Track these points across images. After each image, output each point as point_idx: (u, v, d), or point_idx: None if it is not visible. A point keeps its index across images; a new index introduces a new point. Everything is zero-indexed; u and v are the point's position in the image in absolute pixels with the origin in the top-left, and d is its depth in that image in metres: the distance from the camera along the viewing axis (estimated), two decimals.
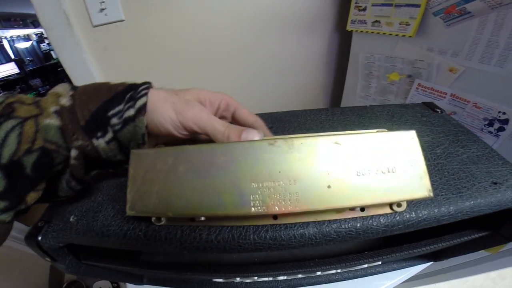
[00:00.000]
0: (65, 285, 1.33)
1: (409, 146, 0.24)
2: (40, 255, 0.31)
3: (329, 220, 0.24)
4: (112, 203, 0.31)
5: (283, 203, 0.21)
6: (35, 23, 3.83)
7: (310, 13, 0.93)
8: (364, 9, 0.82)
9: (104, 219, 0.28)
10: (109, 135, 0.25)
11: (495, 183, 0.28)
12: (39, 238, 0.28)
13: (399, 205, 0.24)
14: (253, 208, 0.21)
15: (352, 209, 0.22)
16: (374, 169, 0.22)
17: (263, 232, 0.24)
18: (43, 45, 3.92)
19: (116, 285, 1.34)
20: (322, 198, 0.21)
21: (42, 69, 3.67)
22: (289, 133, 0.38)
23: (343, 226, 0.24)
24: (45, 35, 3.87)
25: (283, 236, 0.24)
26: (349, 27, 0.89)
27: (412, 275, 0.46)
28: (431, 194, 0.22)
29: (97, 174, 0.31)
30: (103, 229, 0.27)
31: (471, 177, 0.29)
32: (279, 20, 0.90)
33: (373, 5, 0.79)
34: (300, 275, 0.37)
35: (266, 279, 0.37)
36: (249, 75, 0.97)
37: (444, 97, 0.73)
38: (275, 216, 0.24)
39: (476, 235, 0.33)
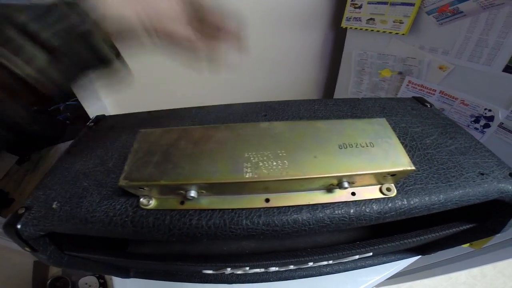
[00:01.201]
0: (49, 281, 1.29)
1: (382, 129, 0.26)
2: (20, 244, 0.29)
3: (322, 205, 0.24)
4: (98, 188, 0.29)
5: (274, 170, 0.22)
6: None
7: (306, 10, 0.93)
8: (360, 7, 0.83)
9: (88, 205, 0.27)
10: None
11: (482, 174, 0.29)
12: (18, 226, 0.27)
13: (388, 189, 0.24)
14: (246, 175, 0.22)
15: (341, 187, 0.23)
16: (353, 143, 0.24)
17: (256, 217, 0.24)
18: None
19: (102, 281, 1.32)
20: (310, 166, 0.22)
21: None
22: (283, 121, 0.38)
23: (336, 212, 0.24)
24: None
25: (276, 221, 0.23)
26: (344, 24, 0.90)
27: (399, 270, 0.47)
28: (412, 167, 0.23)
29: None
30: (87, 216, 0.26)
31: (459, 167, 0.30)
32: (275, 15, 0.90)
33: (369, 3, 0.80)
34: (291, 266, 0.37)
35: (257, 270, 0.37)
36: (243, 69, 0.97)
37: (433, 94, 0.74)
38: (267, 199, 0.23)
39: (464, 227, 0.34)
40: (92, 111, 0.78)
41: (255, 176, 0.21)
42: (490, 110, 0.63)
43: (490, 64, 0.61)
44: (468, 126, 0.68)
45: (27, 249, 0.30)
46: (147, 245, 0.45)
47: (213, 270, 0.35)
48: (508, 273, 1.26)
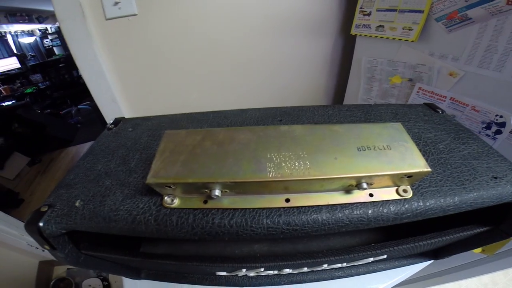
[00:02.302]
0: (53, 282, 1.30)
1: (397, 133, 0.27)
2: (40, 242, 0.29)
3: (340, 205, 0.25)
4: (120, 187, 0.30)
5: (297, 170, 0.23)
6: (40, 19, 3.84)
7: (316, 17, 0.95)
8: (369, 14, 0.84)
9: (112, 203, 0.28)
10: None
11: (496, 178, 0.29)
12: (41, 224, 0.27)
13: (405, 190, 0.25)
14: (269, 174, 0.23)
15: (360, 187, 0.23)
16: (371, 146, 0.25)
17: (276, 216, 0.24)
18: (46, 41, 3.93)
19: (106, 283, 1.32)
20: (331, 167, 0.23)
21: (43, 65, 3.66)
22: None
23: (355, 212, 0.25)
24: (50, 31, 3.90)
25: (296, 221, 0.24)
26: (353, 31, 0.91)
27: (410, 275, 0.47)
28: (428, 169, 0.24)
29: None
30: (110, 214, 0.27)
31: (473, 171, 0.30)
32: (286, 23, 0.92)
33: (377, 10, 0.81)
34: (305, 268, 0.37)
35: (271, 272, 0.37)
36: (255, 76, 0.99)
37: (444, 101, 0.74)
38: (287, 199, 0.24)
39: (479, 230, 0.34)
40: (108, 113, 0.81)
41: (278, 175, 0.22)
42: (501, 117, 0.62)
43: (500, 70, 0.61)
44: (480, 132, 0.67)
45: (47, 247, 0.30)
46: (159, 246, 0.45)
47: (227, 271, 0.36)
48: None
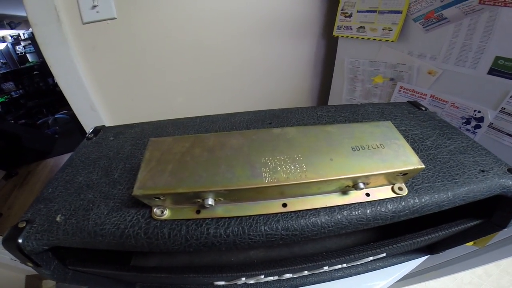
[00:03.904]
0: None
1: (389, 131, 0.27)
2: (21, 259, 0.28)
3: (338, 207, 0.24)
4: (105, 200, 0.29)
5: (293, 173, 0.22)
6: (12, 25, 3.64)
7: (299, 20, 0.96)
8: (350, 16, 0.86)
9: (96, 217, 0.26)
10: None
11: (483, 171, 0.30)
12: (20, 240, 0.25)
13: (400, 188, 0.25)
14: (265, 179, 0.22)
15: (357, 188, 0.23)
16: (365, 145, 0.25)
17: (274, 222, 0.24)
18: (19, 48, 3.74)
19: None
20: (327, 168, 0.23)
21: (16, 73, 3.47)
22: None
23: (353, 213, 0.24)
24: (22, 37, 3.71)
25: (295, 226, 0.23)
26: (335, 32, 0.92)
27: (408, 272, 0.47)
28: (422, 165, 0.24)
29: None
30: (96, 229, 0.25)
31: (461, 165, 0.31)
32: (269, 25, 0.92)
33: (358, 11, 0.83)
34: (306, 272, 0.36)
35: (271, 278, 0.36)
36: (239, 78, 0.98)
37: (425, 98, 0.76)
38: (284, 204, 0.23)
39: (472, 223, 0.35)
40: (87, 121, 0.77)
41: (275, 180, 0.21)
42: (479, 112, 0.65)
43: (475, 67, 0.64)
44: (460, 127, 0.70)
45: (29, 264, 0.28)
46: (151, 258, 0.44)
47: (226, 281, 0.35)
48: None
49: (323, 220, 0.24)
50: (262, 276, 0.33)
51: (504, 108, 0.61)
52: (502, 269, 1.30)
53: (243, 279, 0.33)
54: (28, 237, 0.26)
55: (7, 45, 3.67)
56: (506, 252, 0.66)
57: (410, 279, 1.07)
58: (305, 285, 0.41)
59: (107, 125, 0.46)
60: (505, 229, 0.33)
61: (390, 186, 0.26)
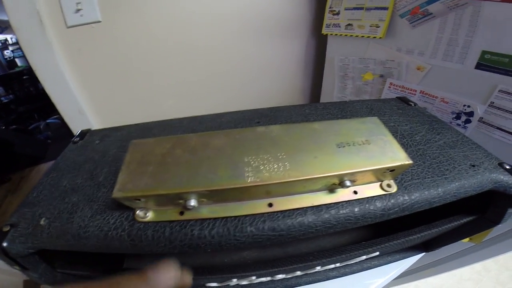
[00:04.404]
0: None
1: (375, 127, 0.27)
2: (8, 263, 0.28)
3: (326, 206, 0.24)
4: (89, 203, 0.28)
5: (276, 172, 0.22)
6: None
7: (288, 19, 0.96)
8: (338, 13, 0.86)
9: (80, 220, 0.26)
10: None
11: (474, 166, 0.30)
12: (5, 244, 0.26)
13: (388, 185, 0.25)
14: (248, 179, 0.21)
15: (343, 185, 0.23)
16: (351, 142, 0.25)
17: (260, 223, 0.23)
18: (7, 52, 3.67)
19: None
20: (311, 166, 0.22)
21: (5, 77, 3.41)
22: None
23: (341, 212, 0.24)
24: (10, 42, 3.65)
25: (282, 226, 0.23)
26: (324, 30, 0.93)
27: (405, 269, 0.47)
28: (410, 161, 0.24)
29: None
30: (79, 231, 0.25)
31: (451, 160, 0.31)
32: (259, 25, 0.92)
33: (345, 9, 0.83)
34: (299, 272, 0.36)
35: (263, 279, 0.36)
36: (229, 78, 0.97)
37: (415, 94, 0.77)
38: (270, 204, 0.23)
39: (466, 220, 0.34)
40: (76, 126, 0.76)
41: (257, 180, 0.21)
42: (469, 106, 0.66)
43: (462, 62, 0.64)
44: (451, 122, 0.71)
45: (17, 267, 0.29)
46: (144, 260, 0.43)
47: (218, 282, 0.34)
48: (511, 267, 1.29)
49: (310, 220, 0.23)
50: (254, 277, 0.33)
51: (493, 102, 0.61)
52: (500, 265, 1.31)
53: (235, 280, 0.33)
54: (12, 240, 0.26)
55: None
56: (503, 247, 0.66)
57: (408, 276, 1.08)
58: (300, 285, 0.41)
59: (96, 128, 0.46)
60: (500, 225, 0.33)
61: (379, 183, 0.26)
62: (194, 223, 0.23)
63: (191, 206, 0.21)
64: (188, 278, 0.23)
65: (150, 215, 0.24)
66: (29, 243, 0.26)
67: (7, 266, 0.29)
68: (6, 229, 0.26)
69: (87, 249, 0.26)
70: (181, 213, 0.23)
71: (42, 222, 0.27)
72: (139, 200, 0.22)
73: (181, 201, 0.22)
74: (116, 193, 0.21)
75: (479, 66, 0.62)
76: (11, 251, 0.26)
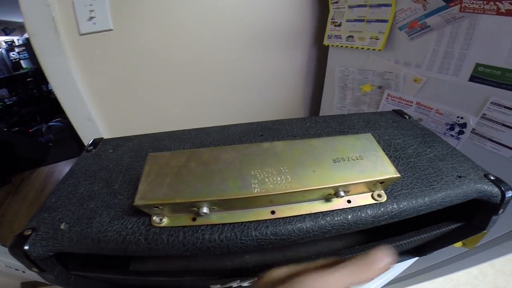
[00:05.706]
0: None
1: (368, 143, 0.30)
2: (27, 265, 0.29)
3: (322, 213, 0.27)
4: (106, 209, 0.31)
5: (279, 184, 0.25)
6: (7, 30, 3.63)
7: (290, 29, 0.99)
8: (340, 25, 0.89)
9: (99, 225, 0.28)
10: None
11: (460, 177, 0.33)
12: (26, 247, 0.27)
13: (379, 195, 0.28)
14: (254, 190, 0.24)
15: (338, 196, 0.26)
16: (345, 157, 0.28)
17: (264, 228, 0.26)
18: (13, 54, 3.71)
19: None
20: (310, 179, 0.25)
21: (9, 79, 3.44)
22: (279, 139, 0.42)
23: (336, 218, 0.27)
24: (17, 43, 3.69)
25: (283, 231, 0.26)
26: (326, 42, 0.96)
27: (398, 273, 0.49)
28: (398, 174, 0.26)
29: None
30: (99, 236, 0.27)
31: (439, 172, 0.33)
32: (265, 37, 0.95)
33: (347, 20, 0.86)
34: None
35: None
36: (233, 88, 1.00)
37: (411, 105, 0.80)
38: (272, 211, 0.26)
39: (453, 226, 0.37)
40: (84, 132, 0.78)
41: (263, 191, 0.24)
42: (462, 118, 0.68)
43: (457, 74, 0.67)
44: (445, 134, 0.73)
45: (35, 269, 0.30)
46: (148, 263, 0.45)
47: (221, 284, 0.37)
48: (508, 272, 1.31)
49: (308, 225, 0.26)
50: (256, 278, 0.35)
51: (485, 114, 0.64)
52: (497, 269, 1.32)
53: (238, 281, 0.35)
54: (34, 244, 0.28)
55: (1, 51, 3.66)
56: (497, 251, 0.68)
57: (404, 281, 1.09)
58: None
59: (103, 135, 0.48)
60: (492, 230, 0.35)
61: (370, 193, 0.28)
62: (205, 228, 0.26)
63: (204, 213, 0.24)
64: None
65: (165, 221, 0.26)
66: (50, 247, 0.28)
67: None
68: (27, 233, 0.28)
69: (104, 252, 0.28)
70: (194, 219, 0.26)
71: (62, 227, 0.29)
72: (157, 207, 0.25)
73: (194, 208, 0.25)
74: (138, 201, 0.24)
75: (472, 78, 0.64)
76: (32, 254, 0.27)
